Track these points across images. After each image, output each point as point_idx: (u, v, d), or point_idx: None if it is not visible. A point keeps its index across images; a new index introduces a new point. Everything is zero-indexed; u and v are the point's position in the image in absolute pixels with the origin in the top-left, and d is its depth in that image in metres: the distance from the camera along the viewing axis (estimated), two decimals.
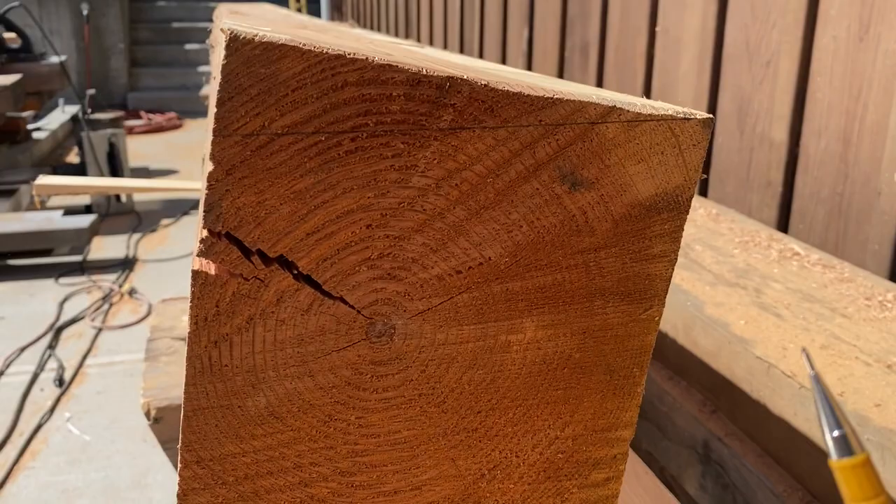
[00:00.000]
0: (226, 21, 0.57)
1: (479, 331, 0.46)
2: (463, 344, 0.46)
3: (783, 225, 1.82)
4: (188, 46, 8.46)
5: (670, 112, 0.45)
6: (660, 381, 1.21)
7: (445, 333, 0.45)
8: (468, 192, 0.43)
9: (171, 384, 1.15)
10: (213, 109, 0.42)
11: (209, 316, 0.41)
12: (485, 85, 0.41)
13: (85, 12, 6.49)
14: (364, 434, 0.46)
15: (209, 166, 0.39)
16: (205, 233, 0.40)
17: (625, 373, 0.50)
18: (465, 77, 0.41)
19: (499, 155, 0.43)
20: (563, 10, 2.82)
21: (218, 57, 0.42)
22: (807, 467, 0.94)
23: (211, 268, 0.40)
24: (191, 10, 8.84)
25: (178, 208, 4.86)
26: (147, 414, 1.10)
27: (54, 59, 4.78)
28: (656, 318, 0.49)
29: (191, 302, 0.40)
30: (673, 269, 0.48)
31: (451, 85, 0.40)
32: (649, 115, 0.44)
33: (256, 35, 0.37)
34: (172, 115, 7.30)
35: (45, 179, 1.21)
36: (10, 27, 4.73)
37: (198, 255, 0.40)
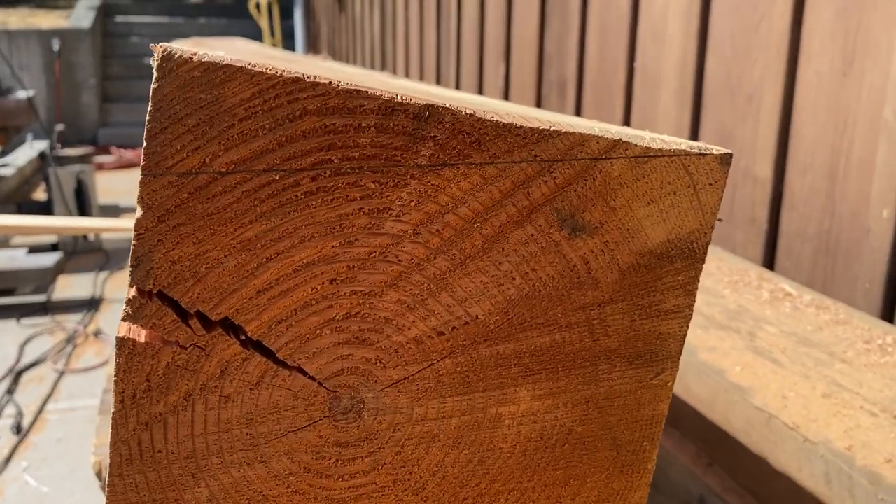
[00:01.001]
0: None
1: (465, 403, 0.39)
2: (446, 419, 0.39)
3: (769, 262, 1.77)
4: None
5: (683, 147, 0.39)
6: None
7: (425, 407, 0.38)
8: (451, 239, 0.36)
9: None
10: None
11: (138, 392, 0.33)
12: (470, 115, 0.35)
13: (56, 48, 6.41)
14: None
15: (138, 212, 0.32)
16: (132, 292, 0.33)
17: (634, 447, 0.43)
18: (447, 105, 0.34)
19: (487, 196, 0.36)
20: (540, 45, 2.79)
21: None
22: None
23: (140, 335, 0.33)
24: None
25: None
26: (98, 474, 1.01)
27: (22, 95, 4.69)
28: (669, 384, 0.42)
29: (115, 376, 0.33)
30: (688, 327, 0.42)
31: (430, 114, 0.34)
32: (659, 150, 0.38)
33: (195, 54, 0.31)
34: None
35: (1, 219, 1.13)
36: None
37: (123, 320, 0.33)
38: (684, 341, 0.42)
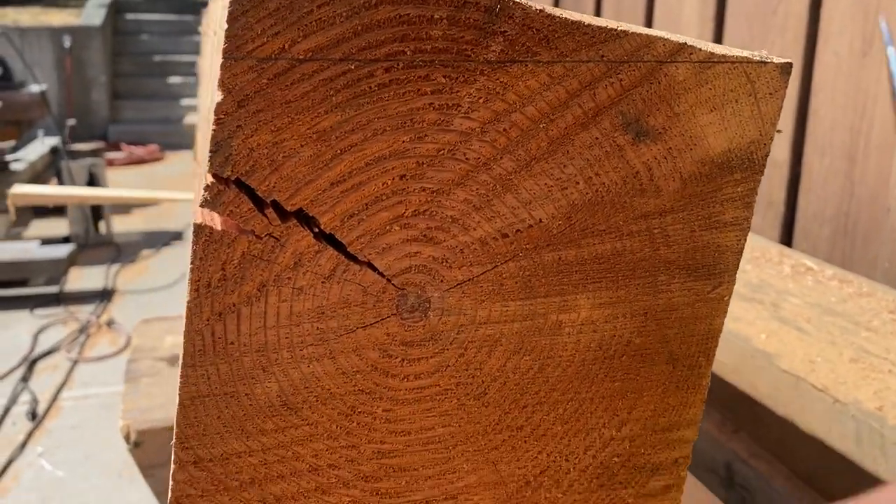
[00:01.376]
0: None
1: (526, 308, 0.39)
2: (508, 323, 0.39)
3: (786, 244, 1.77)
4: (171, 79, 8.41)
5: (745, 54, 0.39)
6: None
7: (488, 310, 0.38)
8: (518, 139, 0.36)
9: (153, 406, 1.07)
10: (219, 35, 0.36)
11: (213, 282, 0.34)
12: (540, 11, 0.35)
13: (67, 44, 6.43)
14: (392, 431, 0.39)
15: (218, 96, 0.32)
16: (210, 178, 0.33)
17: (689, 362, 0.43)
18: (517, 0, 0.35)
19: (554, 95, 0.36)
20: None
21: None
22: (842, 489, 0.88)
23: (216, 222, 0.33)
24: (174, 43, 8.81)
25: (159, 240, 4.76)
26: (126, 437, 1.02)
27: (35, 89, 4.71)
28: (726, 298, 0.43)
29: (191, 264, 0.33)
30: (745, 241, 0.42)
31: (501, 8, 0.34)
32: (723, 55, 0.39)
33: None
34: (154, 147, 7.22)
35: (20, 188, 1.14)
36: None
37: (201, 206, 0.33)
38: (741, 256, 0.42)
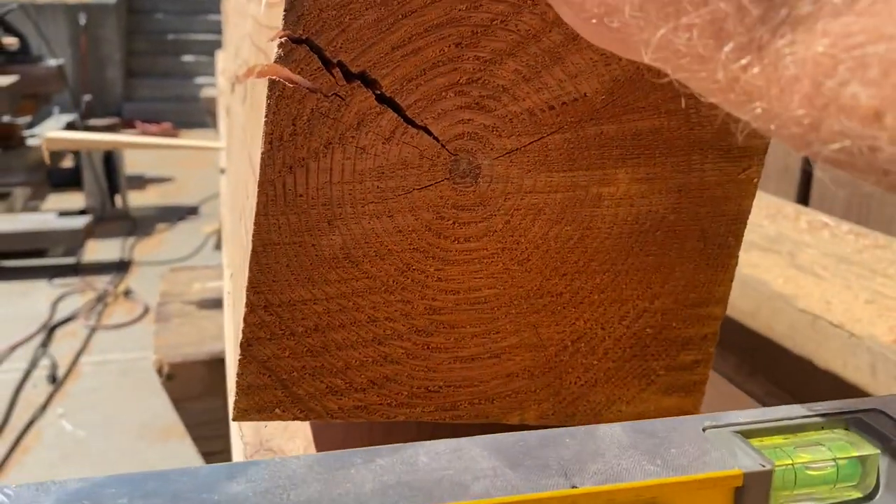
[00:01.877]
0: None
1: (569, 179, 0.42)
2: (552, 193, 0.42)
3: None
4: (185, 58, 8.44)
5: None
6: None
7: (534, 179, 0.41)
8: None
9: (184, 342, 1.10)
10: None
11: (284, 135, 0.37)
12: None
13: (82, 21, 6.47)
14: (442, 289, 0.42)
15: None
16: (283, 37, 0.36)
17: (719, 241, 0.46)
18: None
19: None
20: None
21: None
22: None
23: (288, 79, 0.36)
24: (189, 22, 8.83)
25: (174, 214, 4.81)
26: (159, 371, 1.05)
27: (52, 62, 4.75)
28: (754, 180, 0.45)
29: (266, 118, 0.36)
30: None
31: None
32: None
33: None
34: (167, 125, 7.26)
35: (54, 134, 1.17)
36: (9, 29, 4.70)
37: (275, 61, 0.36)
38: (769, 142, 0.45)
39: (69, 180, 4.78)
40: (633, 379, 0.47)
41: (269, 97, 0.36)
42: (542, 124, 0.40)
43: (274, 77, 0.36)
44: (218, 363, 1.07)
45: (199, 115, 7.45)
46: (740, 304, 1.09)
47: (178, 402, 1.06)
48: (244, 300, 0.39)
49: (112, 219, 4.58)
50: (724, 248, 0.46)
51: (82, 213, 4.46)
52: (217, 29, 8.73)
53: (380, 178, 0.39)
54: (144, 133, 7.05)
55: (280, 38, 0.36)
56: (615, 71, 0.41)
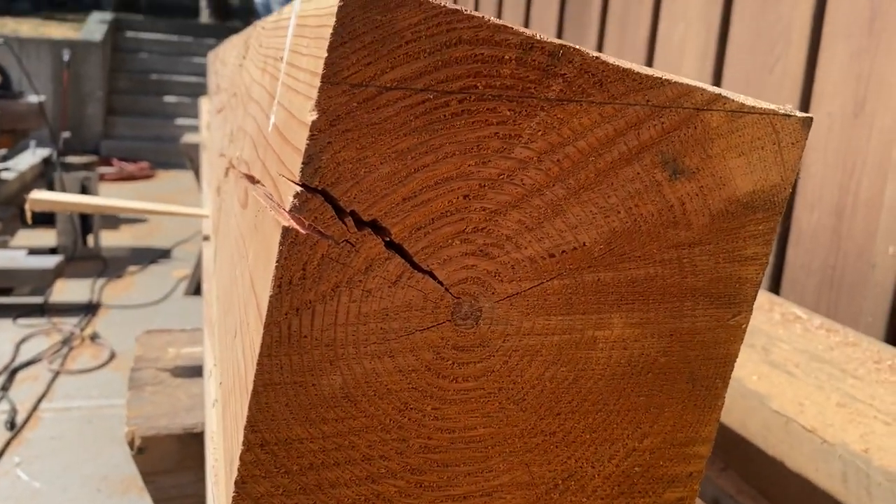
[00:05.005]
0: None
1: (566, 323, 0.43)
2: (549, 336, 0.43)
3: (775, 294, 1.82)
4: (167, 98, 8.46)
5: (772, 107, 0.44)
6: None
7: (532, 322, 0.42)
8: (569, 169, 0.41)
9: (158, 414, 1.09)
10: (302, 62, 0.40)
11: (294, 280, 0.37)
12: (596, 57, 0.39)
13: (66, 58, 6.48)
14: (439, 428, 0.42)
15: (312, 115, 0.36)
16: (299, 188, 0.37)
17: (707, 383, 0.47)
18: (577, 47, 0.39)
19: (603, 132, 0.41)
20: None
21: (320, 6, 0.40)
22: None
23: (302, 226, 0.37)
24: (173, 63, 8.88)
25: (146, 256, 4.76)
26: (130, 443, 1.03)
27: (33, 99, 4.73)
28: (743, 326, 0.47)
29: (277, 262, 0.37)
30: (763, 275, 0.46)
31: (563, 53, 0.39)
32: (752, 107, 0.43)
33: None
34: (145, 164, 7.24)
35: (39, 194, 1.16)
36: None
37: (289, 211, 0.37)
38: (759, 288, 0.46)
39: (42, 217, 4.72)
40: None
41: (281, 243, 0.37)
42: (542, 271, 0.42)
43: (286, 225, 0.37)
44: (190, 438, 1.05)
45: (178, 156, 7.45)
46: None
47: (148, 476, 1.04)
48: (240, 437, 0.39)
49: (83, 258, 4.53)
50: (711, 390, 0.47)
51: (53, 251, 4.40)
52: (201, 71, 8.78)
53: (384, 319, 0.39)
54: (122, 170, 7.02)
55: (296, 189, 0.37)
56: (613, 223, 0.42)
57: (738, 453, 1.06)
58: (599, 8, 2.59)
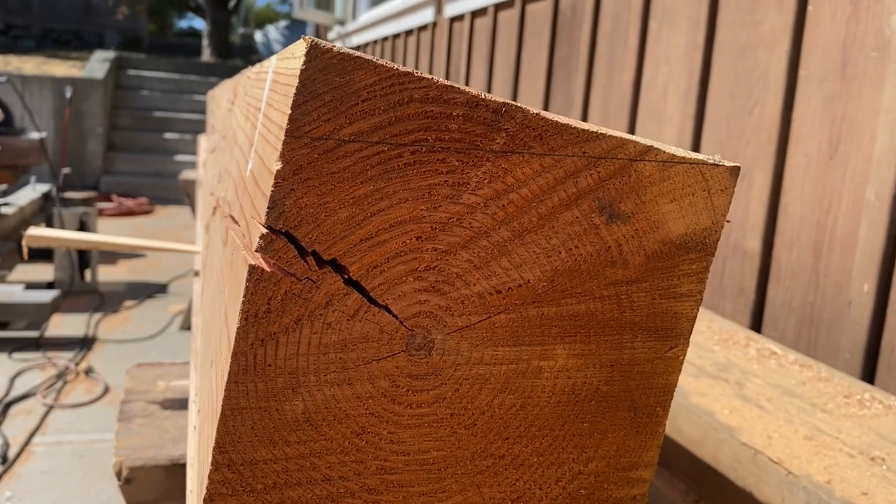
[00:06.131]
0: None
1: (513, 353, 0.47)
2: (497, 365, 0.47)
3: (756, 331, 1.86)
4: (167, 135, 8.57)
5: (701, 157, 0.48)
6: None
7: (481, 353, 0.46)
8: (513, 213, 0.45)
9: (145, 445, 1.11)
10: (274, 115, 0.44)
11: (260, 313, 0.41)
12: (536, 114, 0.44)
13: (68, 95, 6.57)
14: (394, 451, 0.46)
15: (277, 165, 0.40)
16: (264, 230, 0.41)
17: (648, 411, 0.51)
18: (518, 105, 0.43)
19: (544, 181, 0.45)
20: None
21: (288, 65, 0.45)
22: None
23: (267, 264, 0.41)
24: (173, 101, 9.00)
25: (143, 291, 4.79)
26: (118, 474, 1.06)
27: (34, 135, 4.80)
28: (681, 358, 0.50)
29: (244, 297, 0.41)
30: (698, 310, 0.50)
31: (506, 110, 0.43)
32: (682, 157, 0.47)
33: (335, 47, 0.40)
34: (144, 200, 7.30)
35: (35, 231, 1.20)
36: None
37: (256, 251, 0.41)
38: (694, 322, 0.50)
39: (39, 252, 4.77)
40: None
41: (248, 279, 0.41)
42: (490, 306, 0.46)
43: (252, 263, 0.41)
44: (177, 468, 1.08)
45: (177, 192, 7.51)
46: (689, 432, 1.13)
47: None
48: (209, 458, 0.42)
49: (80, 293, 4.56)
50: (652, 418, 0.51)
51: (50, 285, 4.43)
52: (201, 109, 8.89)
53: (343, 350, 0.43)
54: (121, 206, 7.07)
55: (262, 230, 0.41)
56: (555, 262, 0.46)
57: (710, 485, 1.08)
58: (587, 52, 2.66)
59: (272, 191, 0.40)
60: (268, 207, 0.41)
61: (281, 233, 0.41)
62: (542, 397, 0.48)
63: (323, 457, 0.44)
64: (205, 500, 0.43)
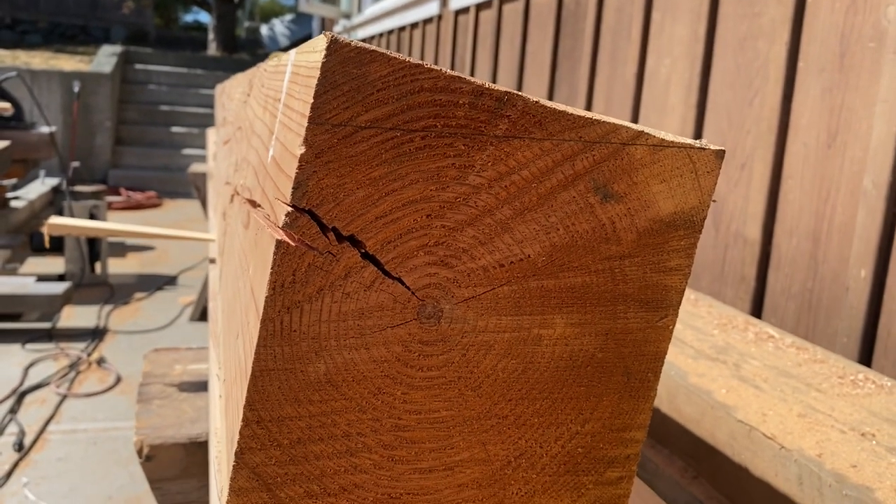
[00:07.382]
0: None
1: (515, 322, 0.51)
2: (500, 333, 0.51)
3: (756, 317, 1.90)
4: (174, 129, 8.63)
5: (689, 142, 0.52)
6: (642, 449, 1.24)
7: (486, 321, 0.50)
8: (515, 193, 0.49)
9: (165, 425, 1.16)
10: (295, 105, 0.48)
11: (286, 283, 0.46)
12: (536, 102, 0.48)
13: (76, 89, 6.63)
14: (407, 410, 0.50)
15: (301, 149, 0.45)
16: (289, 208, 0.45)
17: (641, 376, 0.55)
18: (520, 94, 0.48)
19: (543, 163, 0.49)
20: None
21: (308, 59, 0.49)
22: None
23: (292, 239, 0.45)
24: (181, 94, 9.06)
25: (153, 283, 4.85)
26: (139, 452, 1.11)
27: (44, 129, 4.86)
28: (670, 327, 0.55)
29: (271, 269, 0.45)
30: (686, 283, 0.54)
31: (508, 98, 0.47)
32: (671, 142, 0.52)
33: (352, 41, 0.44)
34: (152, 193, 7.37)
35: (57, 220, 1.25)
36: (4, 95, 4.82)
37: (281, 227, 0.45)
38: (683, 294, 0.54)
39: (52, 243, 4.82)
40: (566, 491, 0.55)
41: (275, 253, 0.45)
42: (493, 278, 0.50)
43: (279, 239, 0.45)
44: (195, 446, 1.13)
45: (185, 186, 7.57)
46: (687, 411, 1.18)
47: (155, 483, 1.11)
48: (240, 415, 0.47)
49: (90, 285, 4.62)
50: (644, 383, 0.55)
51: (61, 277, 4.49)
52: (208, 103, 8.94)
53: (360, 317, 0.48)
54: (129, 199, 7.13)
55: (287, 209, 0.45)
56: (554, 238, 0.50)
57: (707, 462, 1.13)
58: (591, 44, 2.69)
59: (296, 173, 0.45)
60: (292, 188, 0.45)
61: (304, 211, 0.45)
62: (542, 363, 0.52)
63: (343, 414, 0.49)
64: (236, 453, 0.47)
